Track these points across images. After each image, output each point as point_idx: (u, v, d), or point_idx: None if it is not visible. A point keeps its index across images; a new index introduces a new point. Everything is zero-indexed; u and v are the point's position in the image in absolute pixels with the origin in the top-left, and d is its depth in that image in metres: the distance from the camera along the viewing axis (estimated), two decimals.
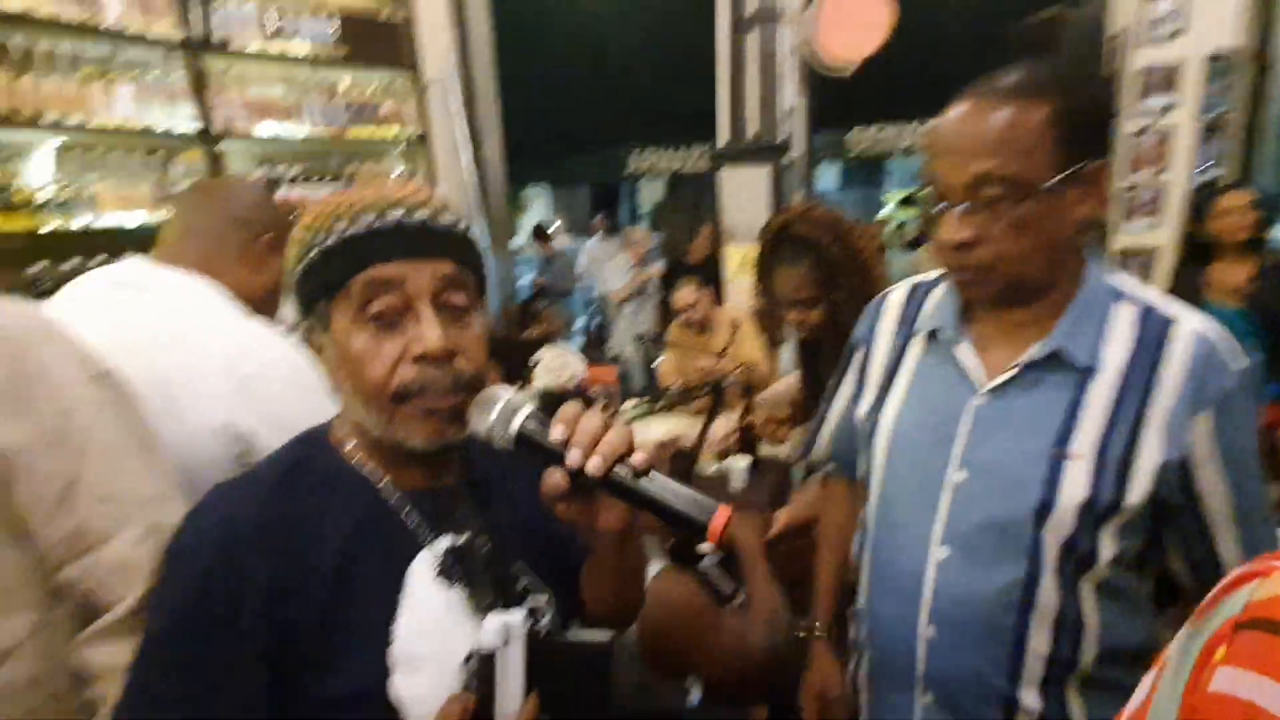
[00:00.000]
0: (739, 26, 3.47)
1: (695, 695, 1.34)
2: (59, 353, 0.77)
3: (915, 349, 0.95)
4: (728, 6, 3.48)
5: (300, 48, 3.03)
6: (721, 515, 0.57)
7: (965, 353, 0.88)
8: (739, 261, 3.48)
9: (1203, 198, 2.84)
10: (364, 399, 0.65)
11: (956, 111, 0.80)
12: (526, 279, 6.67)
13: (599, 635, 0.72)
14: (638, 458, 0.59)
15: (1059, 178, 0.75)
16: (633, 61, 6.55)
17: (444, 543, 0.69)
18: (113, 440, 0.78)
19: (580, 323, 6.88)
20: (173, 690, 0.61)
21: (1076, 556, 0.81)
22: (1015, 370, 0.83)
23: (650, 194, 14.19)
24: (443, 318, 0.64)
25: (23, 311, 0.80)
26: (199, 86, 2.66)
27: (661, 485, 0.59)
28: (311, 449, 0.71)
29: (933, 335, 0.92)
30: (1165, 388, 0.78)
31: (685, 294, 2.99)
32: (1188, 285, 2.67)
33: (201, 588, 0.62)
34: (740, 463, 1.96)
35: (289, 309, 0.73)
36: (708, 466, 2.24)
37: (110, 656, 0.72)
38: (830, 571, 1.16)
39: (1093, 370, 0.80)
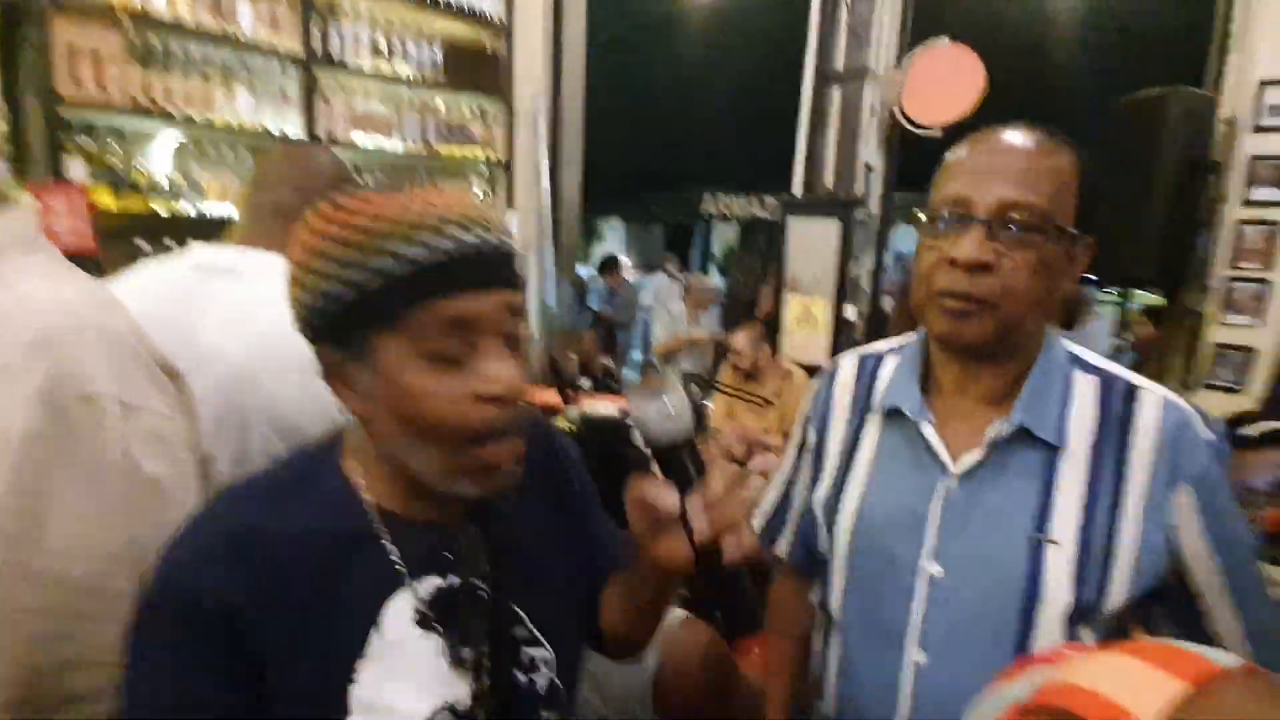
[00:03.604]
0: (824, 81, 3.49)
1: None
2: (39, 365, 0.63)
3: (872, 428, 0.88)
4: (814, 61, 3.51)
5: (405, 69, 3.23)
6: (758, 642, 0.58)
7: (931, 432, 0.81)
8: (799, 312, 3.43)
9: None
10: (419, 441, 0.59)
11: (985, 138, 0.77)
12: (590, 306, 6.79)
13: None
14: (731, 553, 0.60)
15: (1076, 230, 0.73)
16: (718, 107, 6.69)
17: (431, 583, 0.64)
18: (34, 487, 0.62)
19: (636, 355, 6.91)
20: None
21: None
22: (983, 451, 0.77)
23: (723, 237, 14.28)
24: (508, 353, 0.59)
25: (51, 306, 0.68)
26: (309, 96, 2.86)
27: (732, 584, 0.60)
28: (319, 459, 0.67)
29: (891, 413, 0.85)
30: (1139, 463, 0.74)
31: (740, 341, 2.99)
32: None
33: (162, 620, 0.58)
34: None
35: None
36: None
37: None
38: (782, 687, 1.01)
39: (1060, 447, 0.76)
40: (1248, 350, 2.95)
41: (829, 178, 3.53)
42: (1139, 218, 2.82)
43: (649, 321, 6.50)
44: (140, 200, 2.39)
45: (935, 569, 0.78)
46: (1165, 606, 0.76)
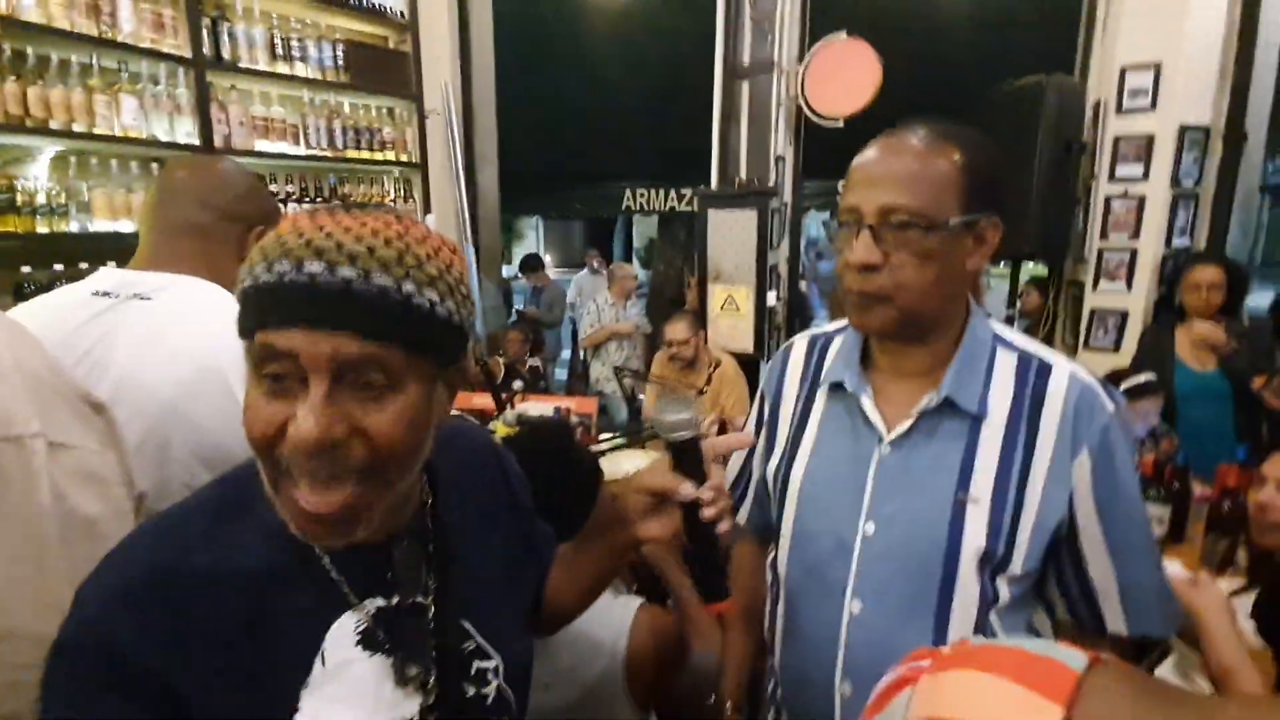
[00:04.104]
0: (733, 75, 3.60)
1: None
2: None
3: (820, 402, 0.96)
4: (722, 56, 3.61)
5: (305, 70, 3.10)
6: (728, 604, 0.75)
7: (868, 404, 0.89)
8: (724, 301, 3.53)
9: (1175, 265, 2.94)
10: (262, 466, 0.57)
11: (873, 149, 0.84)
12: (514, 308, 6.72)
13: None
14: (724, 526, 0.75)
15: (962, 219, 0.80)
16: (633, 102, 6.74)
17: (373, 605, 0.64)
18: None
19: (565, 354, 6.91)
20: None
21: (984, 602, 0.82)
22: (913, 419, 0.86)
23: (643, 231, 14.39)
24: (346, 395, 0.54)
25: None
26: (203, 102, 2.71)
27: (718, 551, 0.76)
28: (243, 490, 0.62)
29: (835, 388, 0.94)
30: (1047, 432, 0.82)
31: (679, 329, 3.01)
32: (1158, 347, 2.76)
33: (82, 677, 0.55)
34: None
35: None
36: None
37: None
38: (740, 642, 1.10)
39: (982, 417, 0.84)
40: (1121, 313, 3.27)
41: (743, 169, 3.65)
42: (1021, 197, 3.07)
43: (576, 320, 6.51)
44: (22, 221, 2.21)
45: (870, 527, 0.86)
46: (1053, 563, 0.85)
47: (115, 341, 0.98)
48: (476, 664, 0.71)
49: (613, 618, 1.18)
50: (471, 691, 0.70)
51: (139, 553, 0.59)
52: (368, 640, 0.63)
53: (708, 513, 0.71)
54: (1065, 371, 0.85)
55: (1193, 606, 1.03)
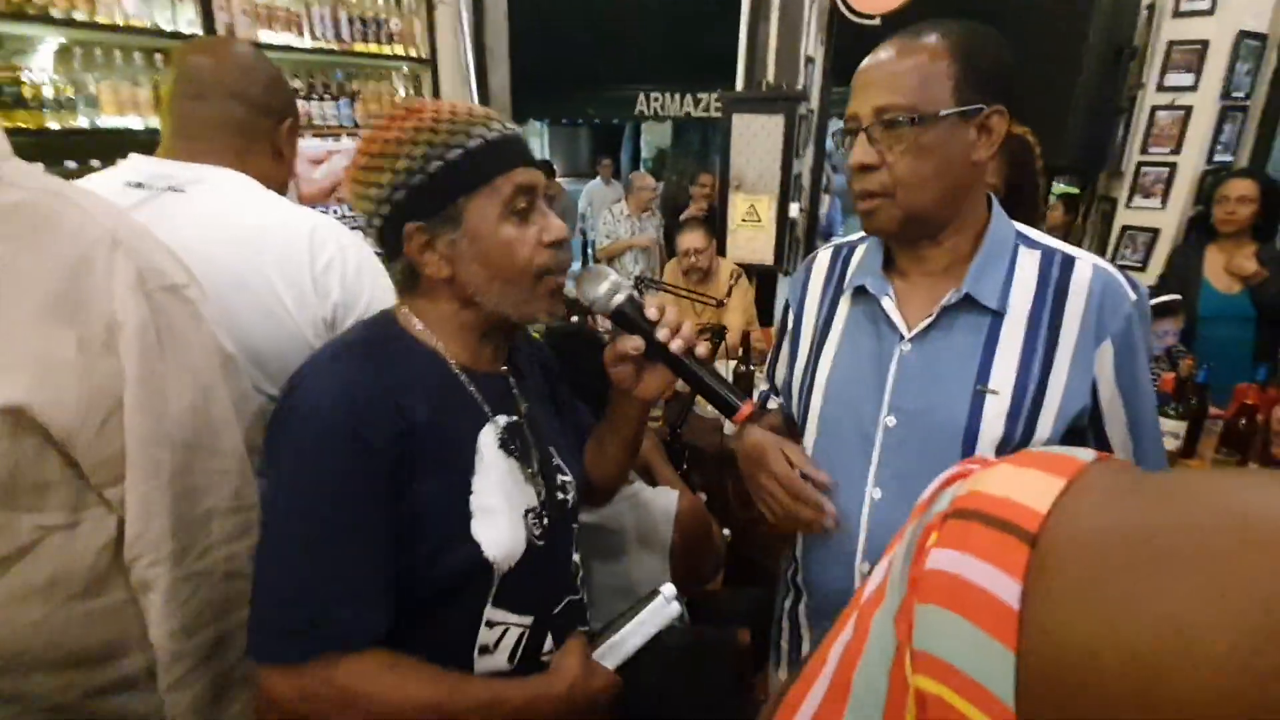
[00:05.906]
0: None
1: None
2: (123, 261, 0.71)
3: (843, 306, 1.00)
4: None
5: None
6: (747, 406, 0.79)
7: (890, 304, 0.92)
8: (745, 211, 3.45)
9: (1213, 182, 2.84)
10: (507, 280, 0.78)
11: (869, 57, 0.86)
12: None
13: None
14: (701, 349, 0.82)
15: (954, 110, 0.81)
16: (649, 1, 6.32)
17: (503, 419, 0.82)
18: (156, 369, 0.72)
19: (575, 266, 6.84)
20: (307, 543, 0.69)
21: None
22: (933, 316, 0.89)
23: (653, 140, 13.87)
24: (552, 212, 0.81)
25: (105, 209, 0.75)
26: None
27: (710, 372, 0.81)
28: (387, 329, 0.81)
29: (858, 292, 0.97)
30: (1071, 323, 0.85)
31: (693, 239, 2.90)
32: (1185, 265, 2.71)
33: (331, 446, 0.70)
34: None
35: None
36: (705, 409, 2.29)
37: (152, 578, 0.75)
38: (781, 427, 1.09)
39: (1003, 313, 0.87)
40: (1152, 231, 3.19)
41: (770, 71, 3.47)
42: (1061, 106, 2.92)
43: (586, 231, 6.37)
44: (32, 116, 2.15)
45: (890, 420, 0.91)
46: (1077, 439, 0.88)
47: (195, 230, 0.97)
48: (559, 476, 0.89)
49: (657, 507, 1.24)
50: (559, 496, 0.88)
51: (334, 374, 0.74)
52: (504, 444, 0.81)
53: (662, 334, 0.80)
54: (1089, 264, 0.87)
55: None
